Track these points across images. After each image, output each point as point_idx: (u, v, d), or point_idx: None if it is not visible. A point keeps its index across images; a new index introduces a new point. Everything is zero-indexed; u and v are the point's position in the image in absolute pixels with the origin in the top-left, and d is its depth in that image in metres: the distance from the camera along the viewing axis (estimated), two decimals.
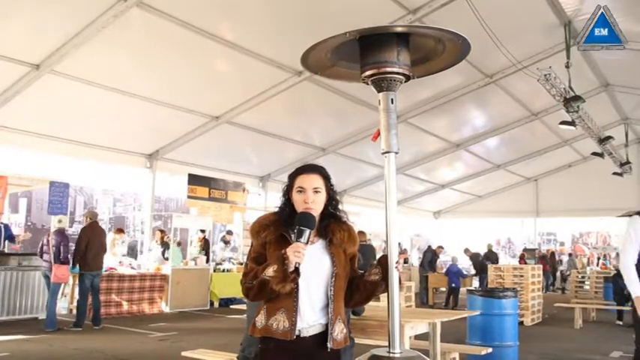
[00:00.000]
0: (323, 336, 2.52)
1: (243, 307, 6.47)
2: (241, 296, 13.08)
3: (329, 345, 2.49)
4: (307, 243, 2.45)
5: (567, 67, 11.07)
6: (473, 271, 16.73)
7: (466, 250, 17.21)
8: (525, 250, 23.00)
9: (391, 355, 2.43)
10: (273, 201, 17.14)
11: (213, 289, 13.34)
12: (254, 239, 2.63)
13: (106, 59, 9.62)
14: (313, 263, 2.49)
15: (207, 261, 13.83)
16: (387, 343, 2.47)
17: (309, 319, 2.51)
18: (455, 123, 16.57)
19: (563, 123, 13.19)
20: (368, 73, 2.58)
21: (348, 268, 2.64)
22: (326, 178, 2.67)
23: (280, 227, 2.58)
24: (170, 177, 14.82)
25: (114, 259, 12.44)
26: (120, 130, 12.28)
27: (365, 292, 2.65)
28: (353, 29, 2.44)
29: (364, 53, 2.58)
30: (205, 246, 14.44)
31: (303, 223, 2.48)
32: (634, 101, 15.95)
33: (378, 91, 2.61)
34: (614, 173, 17.90)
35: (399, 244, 20.83)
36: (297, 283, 2.44)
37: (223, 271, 14.08)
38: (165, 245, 13.22)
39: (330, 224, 2.64)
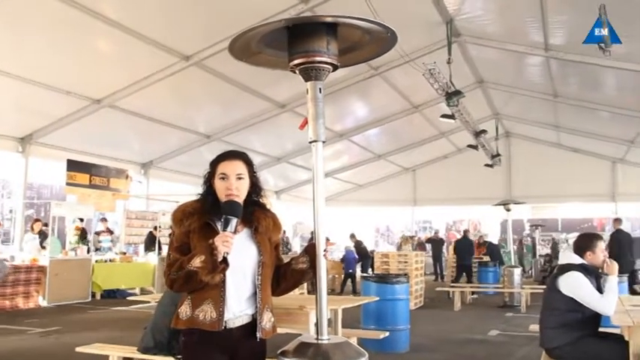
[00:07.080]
0: (249, 327, 2.50)
1: (141, 297, 6.27)
2: (125, 287, 12.71)
3: (258, 335, 2.48)
4: (235, 232, 2.41)
5: (448, 62, 11.65)
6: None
7: (352, 236, 17.49)
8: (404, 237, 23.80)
9: (320, 341, 2.45)
10: (155, 189, 16.64)
11: (95, 280, 12.70)
12: (176, 228, 2.53)
13: None
14: (239, 252, 2.45)
15: (88, 251, 13.16)
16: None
17: (236, 309, 2.47)
18: (338, 113, 16.79)
19: (444, 116, 13.81)
20: (297, 61, 2.55)
21: (273, 256, 2.63)
22: (249, 164, 2.62)
23: (204, 215, 2.52)
24: (44, 162, 13.93)
25: None
26: None
27: (292, 280, 2.66)
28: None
29: (293, 42, 2.55)
30: (83, 235, 13.76)
31: (230, 211, 2.44)
32: (504, 98, 17.06)
33: (306, 80, 2.59)
34: (486, 165, 19.00)
35: (284, 231, 20.88)
36: (225, 273, 2.40)
37: (106, 261, 13.45)
38: (42, 235, 12.41)
39: (255, 212, 2.61)
